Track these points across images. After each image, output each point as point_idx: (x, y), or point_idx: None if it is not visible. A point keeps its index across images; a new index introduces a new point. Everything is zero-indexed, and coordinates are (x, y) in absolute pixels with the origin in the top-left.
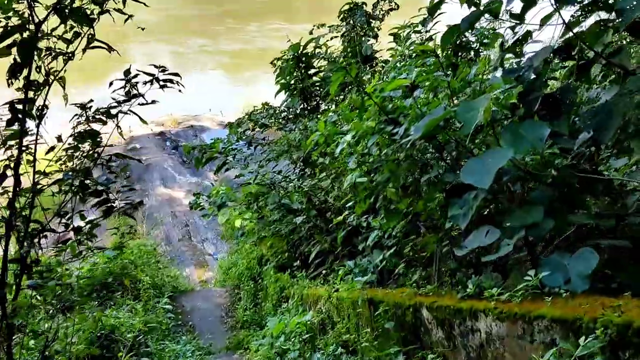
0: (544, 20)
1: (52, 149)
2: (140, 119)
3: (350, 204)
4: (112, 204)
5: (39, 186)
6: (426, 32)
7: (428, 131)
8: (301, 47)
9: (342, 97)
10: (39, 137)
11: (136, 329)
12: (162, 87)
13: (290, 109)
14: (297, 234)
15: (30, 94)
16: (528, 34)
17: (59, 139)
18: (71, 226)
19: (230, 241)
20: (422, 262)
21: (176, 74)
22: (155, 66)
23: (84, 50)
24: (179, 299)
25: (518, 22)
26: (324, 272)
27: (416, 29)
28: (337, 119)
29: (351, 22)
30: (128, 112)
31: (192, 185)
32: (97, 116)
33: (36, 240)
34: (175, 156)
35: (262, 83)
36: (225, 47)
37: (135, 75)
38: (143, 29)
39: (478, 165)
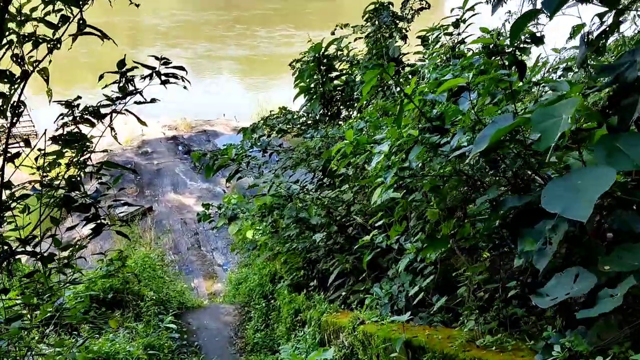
0: None
1: (16, 155)
2: (139, 119)
3: (379, 222)
4: (103, 220)
5: (9, 201)
6: (458, 34)
7: (494, 143)
8: (322, 49)
9: (366, 103)
10: (17, 142)
11: (134, 357)
12: (163, 82)
13: (310, 115)
14: (315, 251)
15: (4, 88)
16: (617, 23)
17: (27, 142)
18: (40, 254)
19: (241, 253)
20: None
21: (181, 68)
22: (157, 58)
23: (74, 38)
24: (185, 316)
25: (608, 7)
26: (343, 294)
27: (446, 31)
28: (364, 126)
29: (377, 22)
30: (124, 111)
31: (204, 191)
32: (86, 116)
33: (4, 264)
34: (187, 161)
35: (275, 89)
36: (238, 52)
37: (132, 68)
38: (137, 6)
39: (565, 188)
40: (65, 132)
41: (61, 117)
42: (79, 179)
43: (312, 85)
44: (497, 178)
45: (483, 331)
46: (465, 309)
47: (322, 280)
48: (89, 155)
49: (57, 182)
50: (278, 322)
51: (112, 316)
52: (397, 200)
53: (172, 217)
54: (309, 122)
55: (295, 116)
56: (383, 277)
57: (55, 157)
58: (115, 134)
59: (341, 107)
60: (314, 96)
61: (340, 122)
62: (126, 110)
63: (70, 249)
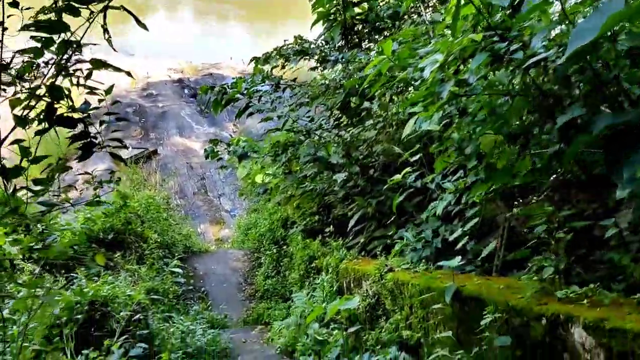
0: None
1: None
2: (120, 70)
3: (415, 157)
4: (94, 139)
5: None
6: None
7: (600, 35)
8: None
9: (388, 35)
10: None
11: (134, 301)
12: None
13: (329, 44)
14: (332, 194)
15: None
16: None
17: None
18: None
19: (250, 198)
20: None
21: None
22: None
23: None
24: (191, 260)
25: None
26: (362, 240)
27: None
28: (397, 49)
29: None
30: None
31: (210, 135)
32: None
33: None
34: (192, 105)
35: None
36: None
37: None
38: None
39: None
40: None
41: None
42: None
43: (332, 11)
44: (580, 93)
45: (563, 281)
46: (538, 259)
47: (339, 226)
48: (76, 57)
49: (38, 91)
50: (290, 269)
51: (114, 259)
52: (433, 134)
53: (177, 160)
54: (328, 51)
55: (312, 45)
56: (407, 223)
57: (31, 55)
58: (109, 36)
59: (363, 37)
60: (334, 23)
61: (361, 53)
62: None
63: (52, 169)
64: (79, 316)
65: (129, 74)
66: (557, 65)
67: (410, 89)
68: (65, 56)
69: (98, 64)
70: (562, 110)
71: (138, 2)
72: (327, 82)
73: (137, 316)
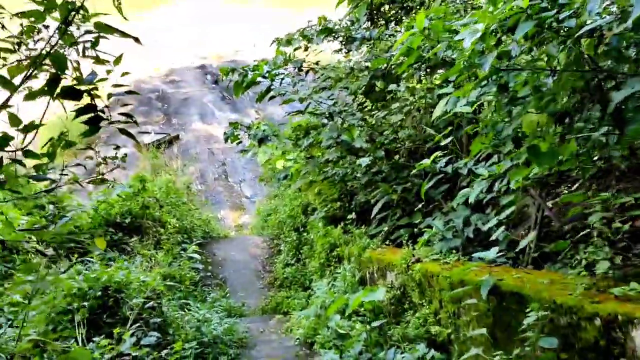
0: None
1: None
2: (125, 34)
3: (447, 141)
4: (101, 113)
5: None
6: None
7: None
8: None
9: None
10: None
11: (149, 288)
12: None
13: (355, 25)
14: (356, 180)
15: None
16: None
17: None
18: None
19: (270, 184)
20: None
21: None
22: None
23: None
24: (210, 246)
25: None
26: (385, 229)
27: None
28: (427, 24)
29: None
30: None
31: (232, 122)
32: None
33: None
34: (215, 91)
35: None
36: None
37: None
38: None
39: None
40: None
41: None
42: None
43: None
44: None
45: (618, 277)
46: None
47: (361, 213)
48: (78, 21)
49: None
50: (310, 257)
51: (131, 243)
52: (464, 117)
53: (199, 146)
54: (354, 33)
55: (337, 26)
56: (434, 212)
57: (32, 19)
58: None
59: (390, 18)
60: (360, 2)
61: (387, 35)
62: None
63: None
64: (91, 302)
65: (137, 39)
66: (614, 35)
67: (439, 71)
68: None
69: (103, 28)
70: (617, 87)
71: None
72: (351, 64)
73: (151, 303)
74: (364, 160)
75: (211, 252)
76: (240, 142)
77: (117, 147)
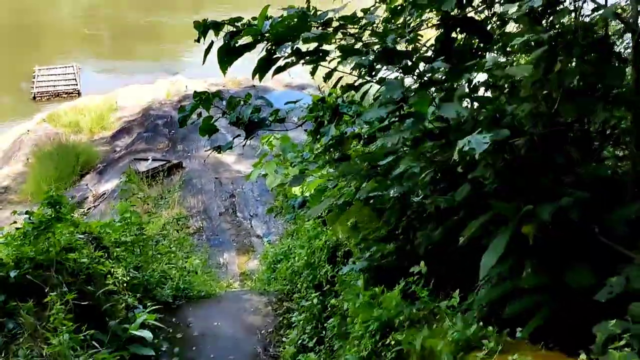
0: None
1: None
2: None
3: None
4: None
5: None
6: None
7: None
8: None
9: None
10: None
11: None
12: None
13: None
14: (425, 198)
15: None
16: None
17: None
18: None
19: (282, 216)
20: None
21: None
22: None
23: None
24: (184, 311)
25: None
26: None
27: None
28: None
29: None
30: None
31: (246, 148)
32: None
33: None
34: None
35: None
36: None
37: None
38: None
39: None
40: None
41: None
42: None
43: None
44: None
45: None
46: None
47: (442, 261)
48: None
49: None
50: (343, 341)
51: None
52: None
53: (205, 175)
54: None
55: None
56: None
57: None
58: None
59: None
60: None
61: None
62: None
63: None
64: None
65: None
66: None
67: None
68: None
69: None
70: None
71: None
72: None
73: None
74: (480, 142)
75: (184, 322)
76: (217, 130)
77: None
